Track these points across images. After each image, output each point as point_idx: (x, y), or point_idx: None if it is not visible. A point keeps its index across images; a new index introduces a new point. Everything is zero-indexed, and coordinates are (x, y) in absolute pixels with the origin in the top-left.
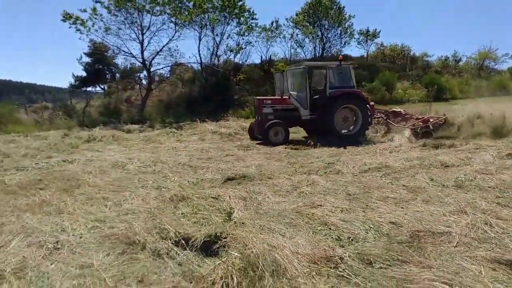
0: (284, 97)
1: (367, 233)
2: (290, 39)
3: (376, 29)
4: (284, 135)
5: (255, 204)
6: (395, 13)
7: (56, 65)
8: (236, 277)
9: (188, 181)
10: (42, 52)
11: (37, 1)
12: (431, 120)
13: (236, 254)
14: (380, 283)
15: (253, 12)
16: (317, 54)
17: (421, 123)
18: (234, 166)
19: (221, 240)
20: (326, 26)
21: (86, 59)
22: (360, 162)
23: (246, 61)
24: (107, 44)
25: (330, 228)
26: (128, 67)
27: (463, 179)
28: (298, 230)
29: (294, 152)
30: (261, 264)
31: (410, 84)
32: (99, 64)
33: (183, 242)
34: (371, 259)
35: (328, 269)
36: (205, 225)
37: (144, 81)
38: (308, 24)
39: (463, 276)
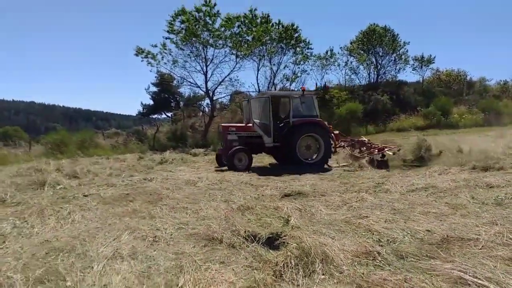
0: (249, 124)
1: (404, 237)
2: (344, 67)
3: (431, 55)
4: (247, 161)
5: (309, 215)
6: (451, 39)
7: (120, 94)
8: (294, 261)
9: (250, 196)
10: (108, 83)
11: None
12: (386, 149)
13: (293, 245)
14: (408, 270)
15: (308, 42)
16: (372, 81)
17: (376, 152)
18: (291, 185)
19: (281, 237)
20: (380, 53)
21: (153, 89)
22: (409, 182)
23: None
24: (173, 75)
25: (373, 233)
26: (192, 95)
27: (503, 197)
28: (345, 234)
29: (346, 174)
30: (313, 254)
31: (467, 109)
32: (165, 93)
33: (251, 238)
34: (404, 254)
35: (367, 260)
36: (267, 227)
37: (206, 109)
38: (362, 51)
39: (478, 268)
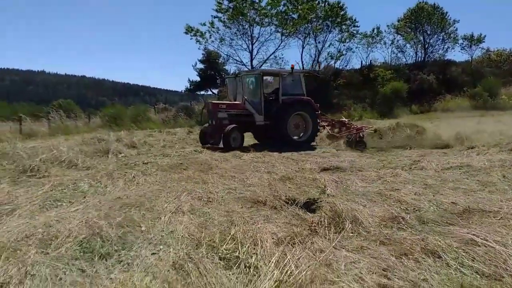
0: (235, 102)
1: (430, 207)
2: (390, 45)
3: (481, 34)
4: (240, 140)
5: (344, 186)
6: (503, 17)
7: (167, 70)
8: (327, 220)
9: (291, 169)
10: (156, 59)
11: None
12: (364, 129)
13: (327, 208)
14: (427, 232)
15: (354, 19)
16: (419, 59)
17: (354, 132)
18: (330, 160)
19: (317, 203)
20: (428, 32)
21: (200, 66)
22: (445, 161)
23: (346, 66)
24: (219, 52)
25: (401, 203)
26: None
27: None
28: (375, 203)
29: (384, 152)
30: (344, 216)
31: None
32: (211, 70)
33: (291, 202)
34: (426, 220)
35: (392, 224)
36: (305, 194)
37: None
38: (409, 30)
39: (491, 234)
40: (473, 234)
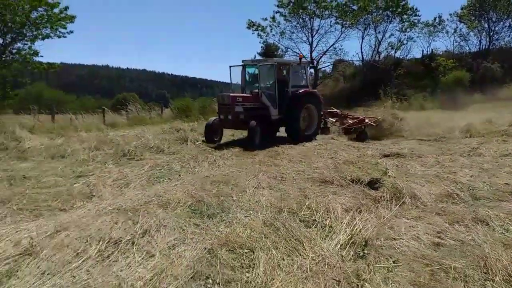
0: (247, 94)
1: (484, 187)
2: (453, 34)
3: None
4: (260, 137)
5: (404, 170)
6: None
7: (226, 63)
8: (389, 195)
9: (353, 155)
10: (215, 52)
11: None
12: (367, 120)
13: (389, 186)
14: (478, 206)
15: (416, 8)
16: (483, 48)
17: (356, 123)
18: (390, 148)
19: (379, 182)
20: (493, 19)
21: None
22: (504, 148)
23: (407, 56)
24: (277, 45)
25: (457, 184)
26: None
27: None
28: (433, 184)
29: (446, 140)
30: (404, 192)
31: None
32: None
33: (356, 181)
34: (478, 197)
35: (447, 199)
36: (368, 175)
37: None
38: (473, 17)
39: None
40: None
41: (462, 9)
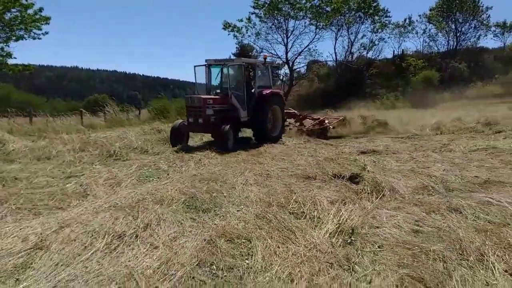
0: (215, 96)
1: (455, 179)
2: (422, 34)
3: None
4: (233, 140)
5: (381, 165)
6: None
7: (195, 63)
8: (369, 188)
9: (332, 153)
10: (186, 53)
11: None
12: (326, 121)
13: (369, 180)
14: (452, 197)
15: (387, 10)
16: (451, 48)
17: (317, 124)
18: (366, 145)
19: (359, 177)
20: (460, 20)
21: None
22: (472, 144)
23: (378, 56)
24: (252, 45)
25: (431, 177)
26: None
27: None
28: (409, 178)
29: (418, 137)
30: (383, 185)
31: None
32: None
33: (337, 176)
34: (451, 188)
35: (423, 191)
36: (349, 170)
37: (283, 78)
38: (441, 18)
39: (505, 197)
40: (490, 198)
41: (430, 10)
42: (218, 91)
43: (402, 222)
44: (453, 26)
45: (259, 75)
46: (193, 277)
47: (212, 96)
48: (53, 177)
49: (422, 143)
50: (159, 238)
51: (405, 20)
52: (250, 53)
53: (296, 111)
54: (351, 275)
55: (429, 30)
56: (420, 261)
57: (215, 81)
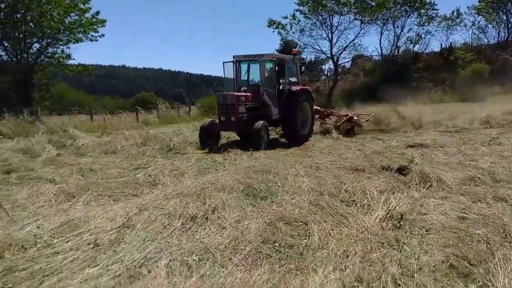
0: (246, 93)
1: (503, 171)
2: (471, 27)
3: None
4: (267, 139)
5: (429, 158)
6: None
7: None
8: (417, 179)
9: (379, 146)
10: (228, 49)
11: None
12: (355, 118)
13: (417, 172)
14: (498, 187)
15: (433, 3)
16: (501, 39)
17: (346, 121)
18: (414, 139)
19: (407, 169)
20: None
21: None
22: None
23: (425, 50)
24: (296, 41)
25: (478, 169)
26: (313, 61)
27: None
28: (456, 170)
29: (467, 131)
30: (431, 177)
31: None
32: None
33: (386, 168)
34: (498, 179)
35: (470, 182)
36: (396, 163)
37: (328, 73)
38: (491, 10)
39: None
40: None
41: (480, 1)
42: (245, 88)
43: (448, 210)
44: (505, 17)
45: (288, 71)
46: (259, 252)
47: (245, 93)
48: (123, 169)
49: (471, 136)
50: (226, 220)
51: (452, 12)
52: (294, 48)
53: (319, 108)
54: (400, 253)
55: (479, 22)
56: (465, 242)
57: (244, 78)
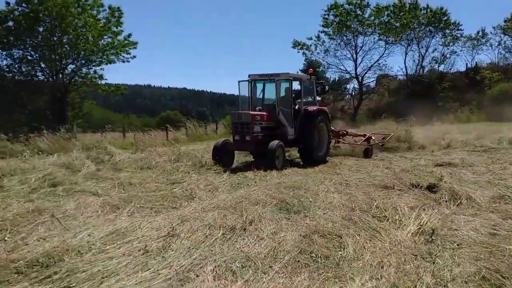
0: (262, 112)
1: None
2: (497, 46)
3: None
4: (282, 158)
5: (457, 177)
6: None
7: None
8: (447, 197)
9: (407, 165)
10: (252, 69)
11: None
12: (373, 138)
13: (446, 189)
14: None
15: (458, 23)
16: None
17: (364, 141)
18: (441, 158)
19: (437, 186)
20: None
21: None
22: None
23: (450, 69)
24: (319, 61)
25: (508, 188)
26: (337, 80)
27: None
28: (486, 188)
29: (495, 150)
30: (460, 195)
31: None
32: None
33: (415, 186)
34: None
35: (500, 200)
36: (426, 181)
37: (352, 92)
38: None
39: None
40: None
41: (505, 21)
42: (260, 107)
43: (479, 226)
44: None
45: (304, 91)
46: (298, 261)
47: (260, 112)
48: (160, 183)
49: (499, 156)
50: (263, 231)
51: (478, 32)
52: (318, 69)
53: (333, 127)
54: (433, 264)
55: (505, 42)
56: (496, 256)
57: (260, 97)
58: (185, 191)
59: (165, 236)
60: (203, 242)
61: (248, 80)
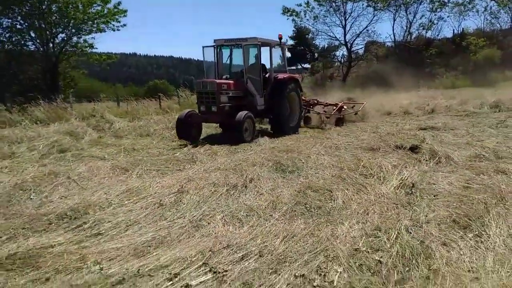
0: (228, 81)
1: (506, 149)
2: (483, 12)
3: None
4: (252, 130)
5: (439, 139)
6: None
7: None
8: (428, 156)
9: (393, 129)
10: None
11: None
12: (344, 107)
13: (427, 150)
14: (500, 162)
15: None
16: None
17: (337, 111)
18: (426, 122)
19: (419, 147)
20: None
21: (290, 42)
22: None
23: (437, 36)
24: (308, 28)
25: (484, 148)
26: (326, 47)
27: None
28: (464, 149)
29: (476, 114)
30: (440, 154)
31: None
32: (301, 46)
33: (399, 147)
34: (501, 156)
35: (475, 158)
36: (409, 143)
37: (341, 60)
38: None
39: None
40: None
41: None
42: (227, 76)
43: (454, 180)
44: None
45: (274, 57)
46: (294, 211)
47: (227, 81)
48: (162, 149)
49: (480, 120)
50: (262, 188)
51: None
52: (307, 36)
53: (305, 98)
54: (411, 211)
55: (491, 7)
56: (466, 204)
57: (226, 64)
58: (186, 156)
59: (176, 192)
60: (210, 197)
61: (213, 46)
